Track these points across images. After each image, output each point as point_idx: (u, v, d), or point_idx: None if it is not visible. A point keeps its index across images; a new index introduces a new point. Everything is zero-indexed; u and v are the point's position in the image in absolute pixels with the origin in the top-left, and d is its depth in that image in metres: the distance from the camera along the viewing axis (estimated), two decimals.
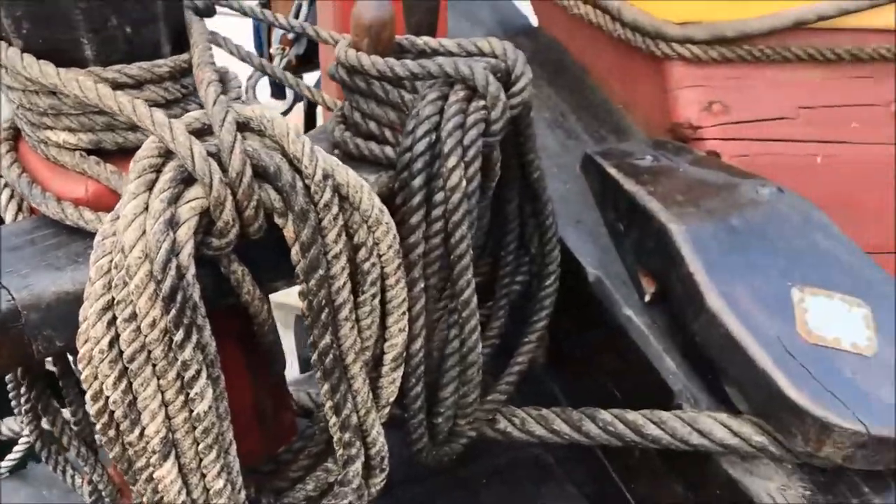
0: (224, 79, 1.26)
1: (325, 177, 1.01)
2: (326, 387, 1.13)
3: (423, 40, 1.31)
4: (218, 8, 1.32)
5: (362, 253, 1.08)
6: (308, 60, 2.85)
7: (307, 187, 1.00)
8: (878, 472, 1.23)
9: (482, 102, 1.19)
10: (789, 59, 1.80)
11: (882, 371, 1.24)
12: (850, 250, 1.45)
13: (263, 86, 3.01)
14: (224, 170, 0.96)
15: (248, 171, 0.97)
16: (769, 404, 1.23)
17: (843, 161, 1.91)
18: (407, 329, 1.19)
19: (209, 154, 0.96)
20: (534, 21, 2.34)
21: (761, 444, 1.26)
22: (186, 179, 0.96)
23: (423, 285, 1.22)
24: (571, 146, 1.91)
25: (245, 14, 1.65)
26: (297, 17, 2.69)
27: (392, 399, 1.23)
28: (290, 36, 2.79)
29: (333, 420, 1.16)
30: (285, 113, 2.83)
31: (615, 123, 1.98)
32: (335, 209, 1.02)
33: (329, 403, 1.15)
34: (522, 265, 1.59)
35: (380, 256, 1.10)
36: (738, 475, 1.30)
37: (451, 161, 1.17)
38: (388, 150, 1.25)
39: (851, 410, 1.16)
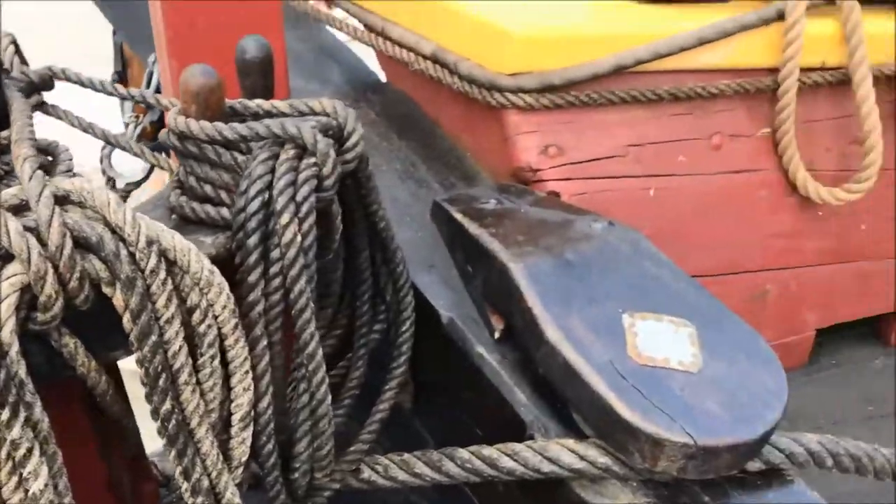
0: (53, 153, 1.26)
1: (150, 243, 1.02)
2: (173, 452, 1.13)
3: (257, 103, 1.35)
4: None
5: (196, 315, 1.09)
6: (163, 127, 2.83)
7: (132, 255, 1.01)
8: (714, 480, 1.32)
9: (313, 160, 1.24)
10: (615, 101, 1.93)
11: (707, 385, 1.33)
12: (676, 275, 1.56)
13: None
14: (43, 244, 0.96)
15: (69, 244, 0.97)
16: (608, 426, 1.29)
17: (674, 192, 2.05)
18: (252, 388, 1.20)
19: (27, 229, 0.96)
20: (382, 77, 2.42)
21: (606, 465, 1.32)
22: (4, 256, 0.96)
23: (266, 342, 1.23)
24: (422, 195, 1.97)
25: (83, 85, 1.64)
26: (148, 84, 2.69)
27: (244, 459, 1.23)
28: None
29: (185, 486, 1.16)
30: (142, 181, 2.80)
31: (464, 170, 2.06)
32: (163, 274, 1.04)
33: (178, 469, 1.14)
34: (379, 314, 1.63)
35: (215, 318, 1.11)
36: (590, 497, 1.36)
37: (285, 218, 1.20)
38: (224, 212, 1.27)
39: (679, 424, 1.24)
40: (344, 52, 2.50)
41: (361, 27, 2.27)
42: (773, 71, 2.02)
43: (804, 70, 2.03)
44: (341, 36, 2.45)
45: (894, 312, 2.52)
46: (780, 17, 1.97)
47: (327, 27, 2.46)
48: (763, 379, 1.36)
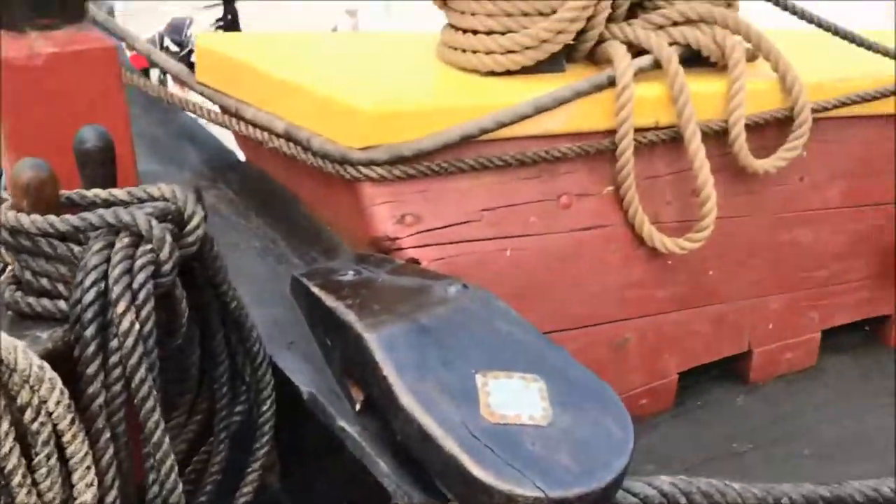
0: None
1: None
2: None
3: (94, 192, 1.34)
4: None
5: (28, 414, 1.07)
6: None
7: None
8: None
9: (149, 246, 1.24)
10: (465, 169, 2.00)
11: (557, 437, 1.37)
12: (527, 331, 1.62)
13: None
14: None
15: None
16: (464, 487, 1.32)
17: (529, 252, 2.14)
18: (96, 482, 1.17)
19: None
20: (241, 156, 2.43)
21: None
22: None
23: (109, 435, 1.21)
24: (282, 271, 1.98)
25: None
26: None
27: None
28: None
29: None
30: None
31: (324, 243, 2.09)
32: None
33: None
34: (239, 395, 1.61)
35: (49, 414, 1.08)
36: None
37: (121, 306, 1.19)
38: (62, 304, 1.25)
39: (531, 479, 1.28)
40: (202, 133, 2.50)
41: (217, 109, 2.29)
42: (611, 133, 2.14)
43: (640, 130, 2.17)
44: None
45: (749, 351, 2.67)
46: (612, 83, 2.11)
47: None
48: (610, 428, 1.42)
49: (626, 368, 2.39)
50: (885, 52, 2.28)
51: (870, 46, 2.26)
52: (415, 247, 1.97)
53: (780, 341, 2.70)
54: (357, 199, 1.97)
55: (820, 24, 2.23)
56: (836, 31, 2.25)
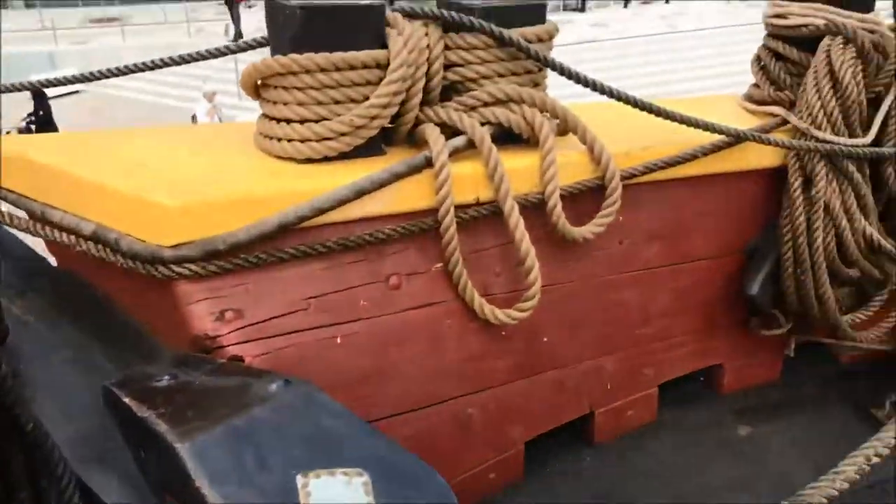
0: None
1: None
2: None
3: None
4: None
5: None
6: None
7: None
8: None
9: None
10: (286, 258, 1.97)
11: None
12: (351, 423, 1.58)
13: None
14: None
15: None
16: None
17: (361, 336, 2.11)
18: None
19: None
20: (53, 261, 2.30)
21: None
22: None
23: None
24: (96, 381, 1.86)
25: None
26: None
27: None
28: None
29: None
30: None
31: (142, 347, 1.98)
32: None
33: None
34: None
35: None
36: None
37: None
38: None
39: None
40: (10, 240, 2.35)
41: (23, 214, 2.16)
42: (434, 211, 2.17)
43: (462, 207, 2.22)
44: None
45: (591, 413, 2.73)
46: (430, 163, 2.14)
47: None
48: None
49: (471, 444, 2.38)
50: (682, 120, 2.43)
51: (668, 115, 2.41)
52: (237, 343, 1.90)
53: (619, 400, 2.78)
54: (172, 298, 1.90)
55: (619, 98, 2.36)
56: (636, 104, 2.39)
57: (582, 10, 26.91)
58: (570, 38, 21.36)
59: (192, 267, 1.85)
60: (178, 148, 2.23)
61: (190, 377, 1.74)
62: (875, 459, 2.03)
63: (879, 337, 3.06)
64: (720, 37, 23.77)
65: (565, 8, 26.06)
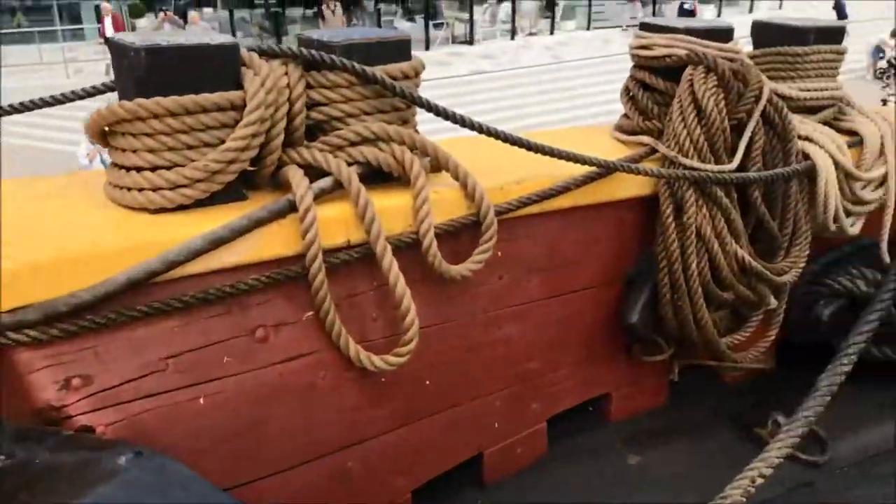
0: None
1: None
2: None
3: None
4: None
5: None
6: None
7: None
8: None
9: None
10: (138, 317, 1.83)
11: None
12: (206, 495, 1.46)
13: None
14: None
15: None
16: None
17: (228, 395, 1.98)
18: None
19: None
20: None
21: None
22: None
23: None
24: None
25: None
26: None
27: None
28: None
29: None
30: None
31: None
32: None
33: None
34: None
35: None
36: None
37: None
38: None
39: None
40: None
41: None
42: (301, 257, 2.07)
43: (331, 251, 2.13)
44: None
45: (480, 454, 2.66)
46: (294, 207, 2.05)
47: None
48: None
49: (352, 498, 2.27)
50: (552, 153, 2.42)
51: (538, 149, 2.40)
52: (86, 412, 1.75)
53: (508, 438, 2.72)
54: (12, 367, 1.73)
55: (489, 133, 2.33)
56: (507, 139, 2.36)
57: (471, 42, 27.44)
58: (462, 69, 21.64)
59: (32, 332, 1.70)
60: (23, 202, 2.07)
61: (31, 454, 1.58)
62: (759, 481, 2.04)
63: (758, 357, 3.12)
64: (604, 65, 24.55)
65: (454, 41, 26.50)
